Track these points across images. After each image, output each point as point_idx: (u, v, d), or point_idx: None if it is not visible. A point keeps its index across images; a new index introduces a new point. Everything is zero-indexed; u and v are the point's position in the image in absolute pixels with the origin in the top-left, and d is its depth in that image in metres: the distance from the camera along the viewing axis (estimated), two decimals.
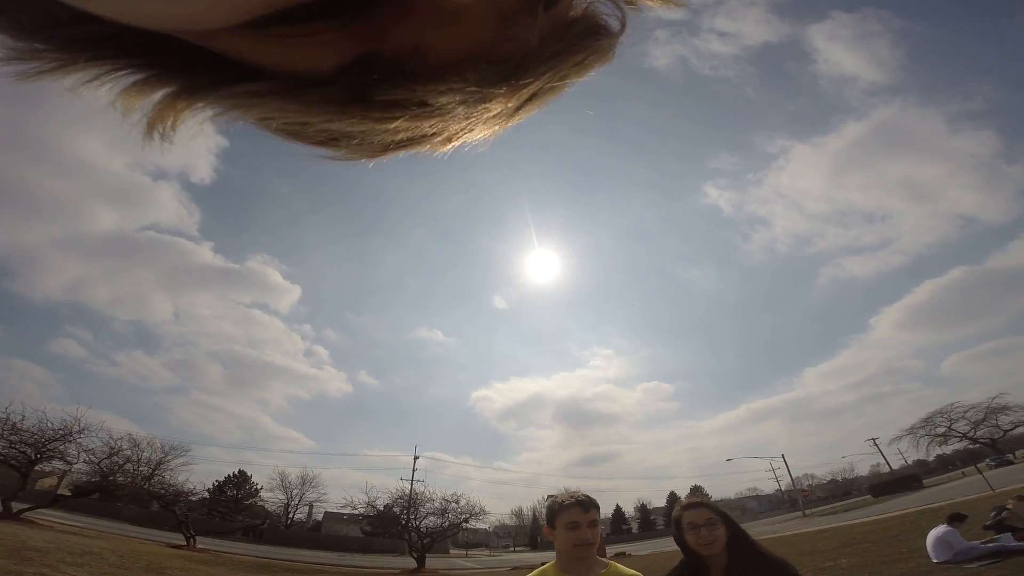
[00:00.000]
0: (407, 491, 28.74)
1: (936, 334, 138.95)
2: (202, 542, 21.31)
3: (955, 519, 8.06)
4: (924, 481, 56.02)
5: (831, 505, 63.02)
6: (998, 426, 62.59)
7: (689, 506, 2.33)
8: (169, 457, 26.00)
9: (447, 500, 26.66)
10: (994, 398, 63.94)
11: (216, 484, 59.96)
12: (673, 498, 74.75)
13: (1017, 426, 62.83)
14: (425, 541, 25.32)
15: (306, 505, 66.55)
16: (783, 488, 74.67)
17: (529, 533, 79.98)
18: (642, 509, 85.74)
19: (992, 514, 8.46)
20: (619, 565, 2.22)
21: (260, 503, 61.22)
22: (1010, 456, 52.41)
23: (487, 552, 63.09)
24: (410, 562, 25.99)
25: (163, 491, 23.01)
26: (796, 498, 61.49)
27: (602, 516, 2.28)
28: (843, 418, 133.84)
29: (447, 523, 26.48)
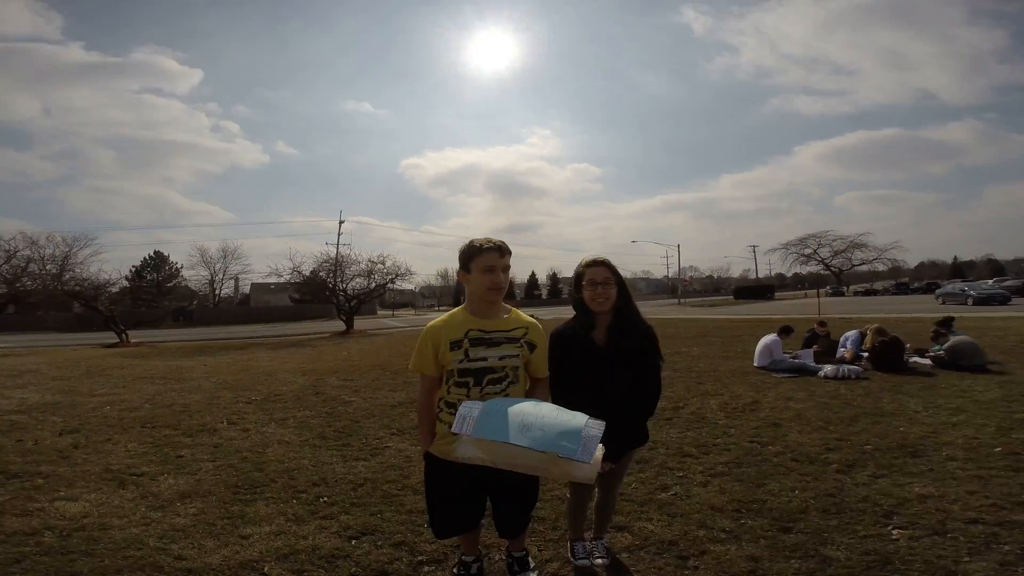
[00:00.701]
0: (333, 255, 28.99)
1: (845, 172, 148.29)
2: (134, 335, 22.16)
3: (784, 331, 9.24)
4: (776, 293, 63.22)
5: (702, 299, 69.78)
6: (850, 260, 71.55)
7: (591, 263, 2.42)
8: (75, 249, 25.05)
9: (373, 262, 27.02)
10: (860, 235, 71.55)
11: (133, 270, 59.18)
12: None
13: (863, 263, 71.84)
14: (352, 303, 26.36)
15: (231, 279, 67.28)
16: (670, 276, 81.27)
17: (454, 294, 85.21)
18: (553, 278, 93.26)
19: (806, 334, 9.90)
20: (520, 312, 2.31)
21: (184, 283, 61.55)
22: (844, 289, 60.11)
23: (413, 312, 68.32)
24: (339, 325, 27.36)
25: (79, 287, 22.40)
26: (677, 286, 67.37)
27: (518, 282, 2.47)
28: (739, 223, 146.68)
29: (373, 284, 27.18)
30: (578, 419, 1.94)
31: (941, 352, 8.21)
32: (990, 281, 40.94)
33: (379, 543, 2.93)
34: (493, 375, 2.17)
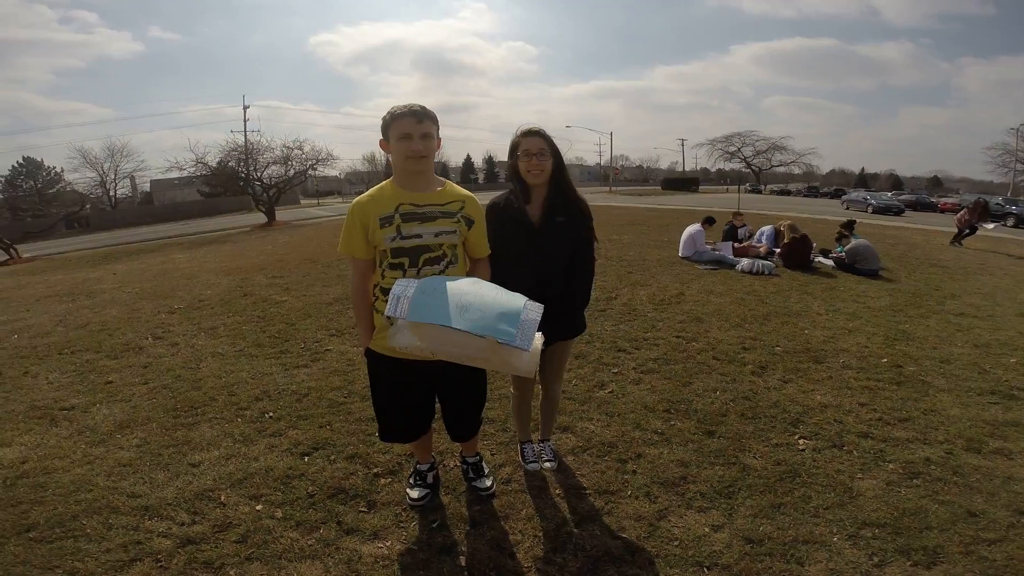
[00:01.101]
0: (241, 143, 26.98)
1: (776, 76, 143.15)
2: (25, 249, 20.21)
3: (707, 221, 9.63)
4: (700, 187, 64.39)
5: (632, 188, 70.44)
6: (770, 160, 72.30)
7: (527, 133, 2.35)
8: None
9: (288, 147, 25.60)
10: (781, 138, 72.34)
11: (2, 180, 52.64)
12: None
13: (781, 165, 72.72)
14: (271, 193, 25.03)
15: (126, 178, 61.44)
16: (602, 163, 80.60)
17: (382, 178, 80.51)
18: (489, 161, 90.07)
19: (725, 226, 10.46)
20: (455, 185, 2.20)
21: (69, 187, 55.61)
22: (760, 187, 62.93)
23: (341, 199, 65.28)
24: (259, 218, 25.98)
25: None
26: (609, 175, 67.55)
27: (453, 165, 2.27)
28: (670, 115, 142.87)
29: (292, 171, 25.93)
30: (517, 300, 1.89)
31: (843, 254, 8.88)
32: (889, 193, 43.82)
33: (332, 458, 3.01)
34: (430, 254, 2.08)
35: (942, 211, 36.43)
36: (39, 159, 56.49)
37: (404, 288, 1.86)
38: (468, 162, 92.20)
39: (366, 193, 2.14)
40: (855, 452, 3.03)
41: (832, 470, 2.85)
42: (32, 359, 5.52)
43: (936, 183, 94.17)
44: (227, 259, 12.15)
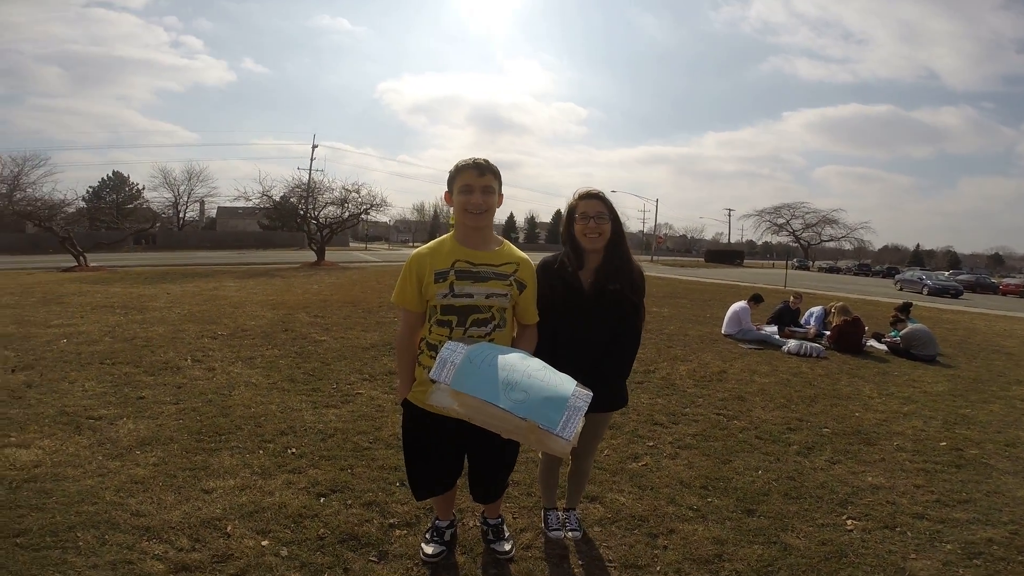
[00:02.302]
0: (305, 181, 27.58)
1: (830, 144, 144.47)
2: (93, 258, 21.21)
3: (754, 299, 9.31)
4: (744, 260, 63.84)
5: (674, 257, 69.87)
6: (819, 235, 71.67)
7: (586, 196, 2.29)
8: (26, 169, 23.64)
9: (347, 189, 25.94)
10: (833, 210, 72.01)
11: (91, 190, 56.55)
12: (559, 216, 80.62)
13: (832, 239, 71.96)
14: (324, 233, 25.42)
15: (196, 202, 64.84)
16: (645, 230, 79.94)
17: (429, 229, 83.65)
18: (531, 221, 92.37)
19: (778, 305, 9.86)
20: (512, 245, 2.19)
21: (145, 204, 59.22)
22: (808, 263, 61.39)
23: (387, 246, 67.29)
24: (309, 255, 26.30)
25: (31, 207, 21.33)
26: (651, 243, 66.81)
27: (495, 222, 2.16)
28: (717, 184, 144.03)
29: (347, 213, 26.17)
30: (565, 385, 1.81)
31: (897, 338, 8.50)
32: (946, 273, 42.73)
33: (349, 502, 2.87)
34: (479, 315, 2.05)
35: (1003, 294, 34.72)
36: (126, 175, 60.68)
37: (452, 353, 1.82)
38: (511, 220, 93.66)
39: (426, 245, 2.14)
40: (909, 533, 2.88)
41: (883, 551, 2.69)
42: (75, 365, 5.63)
43: (997, 261, 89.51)
44: (274, 293, 12.45)
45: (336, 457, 3.42)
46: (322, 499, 2.90)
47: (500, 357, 1.83)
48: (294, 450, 3.50)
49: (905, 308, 9.49)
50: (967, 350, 9.54)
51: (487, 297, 2.04)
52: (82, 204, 32.24)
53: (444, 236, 2.15)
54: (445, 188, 2.15)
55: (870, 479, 3.54)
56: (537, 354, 2.07)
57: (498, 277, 2.06)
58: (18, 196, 21.95)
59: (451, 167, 2.09)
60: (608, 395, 2.35)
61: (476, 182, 2.02)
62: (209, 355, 6.10)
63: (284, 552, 2.42)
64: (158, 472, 3.12)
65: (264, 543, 2.48)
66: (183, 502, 2.80)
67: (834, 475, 3.57)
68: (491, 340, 2.04)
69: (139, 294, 11.87)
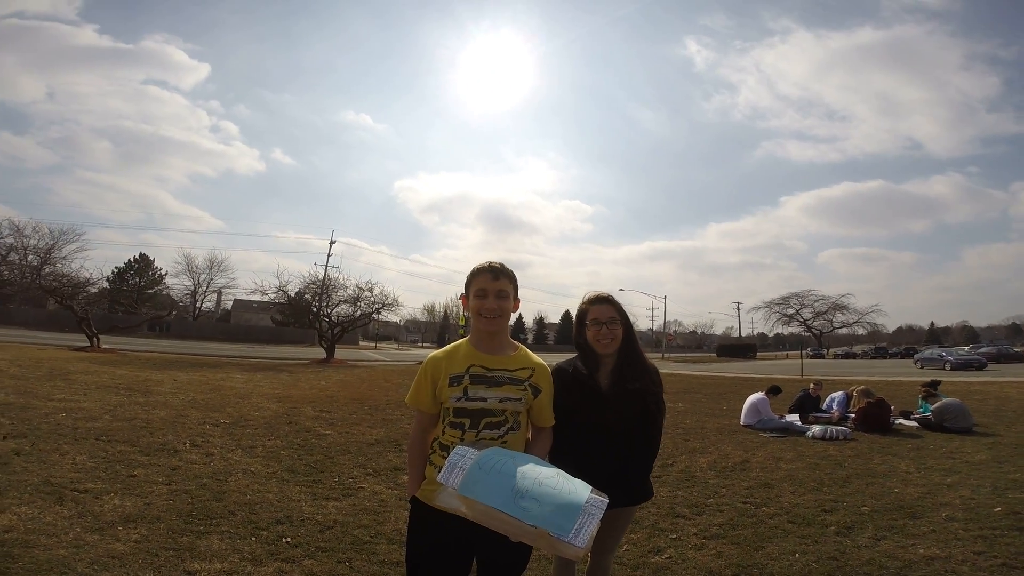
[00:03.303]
0: (320, 277, 27.92)
1: (829, 227, 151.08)
2: (106, 340, 21.47)
3: (772, 391, 9.15)
4: (757, 353, 63.53)
5: (684, 354, 69.86)
6: (830, 321, 73.12)
7: (596, 300, 2.28)
8: (60, 243, 24.20)
9: (361, 288, 26.04)
10: (842, 296, 73.82)
11: (116, 271, 57.90)
12: (568, 316, 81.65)
13: (843, 326, 73.36)
14: (336, 331, 25.37)
15: (214, 292, 66.07)
16: (654, 328, 79.92)
17: (439, 330, 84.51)
18: (539, 322, 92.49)
19: (799, 393, 9.78)
20: (529, 352, 2.16)
21: (165, 291, 60.30)
22: (823, 351, 61.46)
23: (396, 346, 67.29)
24: (319, 352, 26.33)
25: (57, 284, 21.76)
26: (661, 340, 66.91)
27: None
28: (723, 277, 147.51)
29: (359, 312, 26.28)
30: (579, 493, 1.71)
31: (929, 414, 8.33)
32: (967, 348, 42.32)
33: None
34: (491, 419, 1.98)
35: None
36: (151, 258, 62.01)
37: (461, 458, 1.76)
38: (520, 322, 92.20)
39: (442, 349, 2.13)
40: None
41: None
42: (69, 438, 5.42)
43: (1015, 331, 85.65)
44: (281, 387, 12.26)
45: (334, 549, 3.12)
46: None
47: (511, 464, 1.76)
48: (289, 539, 3.22)
49: (933, 384, 9.31)
50: (1003, 418, 9.22)
51: (501, 401, 2.01)
52: (106, 285, 32.88)
53: (460, 341, 2.14)
54: (459, 290, 2.20)
55: (922, 551, 3.31)
56: (560, 456, 2.00)
57: (513, 382, 2.03)
58: (47, 270, 22.32)
59: (467, 269, 2.10)
60: (632, 489, 2.25)
61: (490, 286, 2.02)
62: (209, 441, 5.87)
63: None
64: (139, 549, 2.87)
65: None
66: None
67: (881, 551, 3.34)
68: (504, 443, 1.99)
69: (145, 378, 11.75)
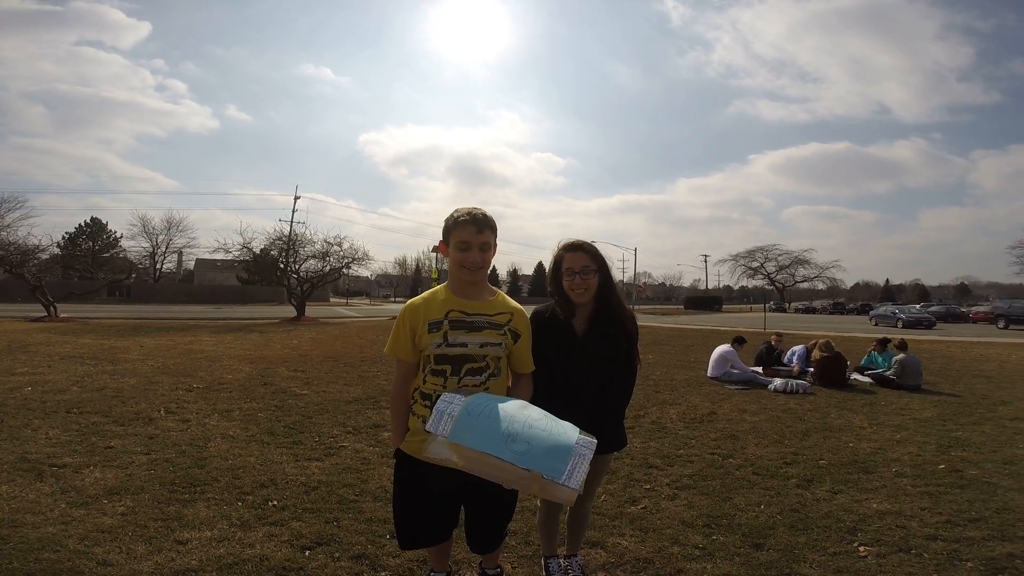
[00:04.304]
0: (286, 233, 26.74)
1: (795, 185, 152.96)
2: (64, 309, 20.75)
3: (737, 341, 9.46)
4: (723, 306, 65.36)
5: (654, 306, 71.05)
6: (792, 275, 74.89)
7: (570, 247, 2.27)
8: (1, 211, 23.00)
9: (329, 243, 25.50)
10: (804, 251, 75.54)
11: (67, 236, 55.16)
12: (541, 268, 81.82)
13: (804, 280, 75.37)
14: (305, 287, 24.96)
15: (174, 252, 63.53)
16: (625, 280, 79.28)
17: (411, 284, 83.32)
18: (513, 274, 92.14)
19: (762, 346, 10.09)
20: (506, 296, 2.17)
21: (122, 254, 57.91)
22: (785, 305, 63.74)
23: (368, 301, 66.47)
24: (289, 311, 26.05)
25: (3, 252, 20.80)
26: (632, 292, 66.17)
27: None
28: (691, 230, 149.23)
29: (328, 267, 25.71)
30: (569, 434, 1.76)
31: (882, 370, 8.89)
32: (918, 306, 44.58)
33: (336, 555, 2.68)
34: (473, 364, 2.02)
35: (974, 321, 36.36)
36: (104, 221, 59.28)
37: (449, 405, 1.76)
38: (493, 273, 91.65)
39: (419, 296, 2.13)
40: (925, 554, 2.84)
41: (902, 573, 2.65)
42: (39, 413, 5.34)
43: (964, 291, 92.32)
44: (252, 347, 12.16)
45: (321, 510, 3.21)
46: (307, 552, 2.70)
47: (499, 408, 1.78)
48: (275, 502, 3.29)
49: (883, 342, 9.89)
50: (948, 377, 9.83)
51: (481, 346, 2.02)
52: (57, 251, 31.35)
53: (437, 287, 2.14)
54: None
55: (875, 505, 3.51)
56: (535, 400, 2.03)
57: (492, 327, 2.05)
58: None
59: (448, 216, 2.08)
60: (607, 436, 2.29)
61: (475, 239, 2.01)
62: (184, 407, 5.85)
63: None
64: (127, 522, 2.90)
65: None
66: (155, 552, 2.59)
67: (838, 504, 3.54)
68: (486, 389, 2.01)
69: (111, 346, 11.50)
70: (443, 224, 2.08)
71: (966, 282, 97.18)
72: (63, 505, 3.07)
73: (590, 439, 1.77)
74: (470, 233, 2.00)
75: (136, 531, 2.80)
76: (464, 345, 2.01)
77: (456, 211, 2.06)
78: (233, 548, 2.68)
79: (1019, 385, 8.95)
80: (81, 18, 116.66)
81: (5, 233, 21.85)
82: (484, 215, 2.04)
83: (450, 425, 1.71)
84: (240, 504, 3.25)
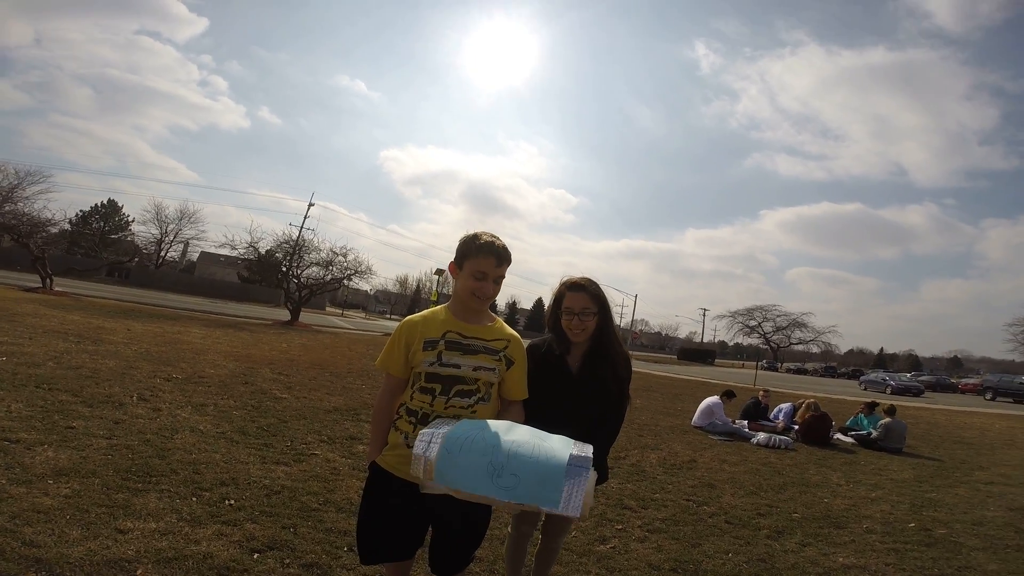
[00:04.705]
0: (294, 237, 26.81)
1: (801, 244, 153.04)
2: (61, 284, 20.68)
3: (727, 394, 9.60)
4: (716, 360, 65.75)
5: (648, 353, 71.43)
6: (788, 337, 75.69)
7: (573, 286, 2.27)
8: (25, 183, 23.05)
9: (335, 252, 25.47)
10: (803, 314, 76.39)
11: (80, 214, 55.32)
12: (540, 304, 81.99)
13: (800, 343, 76.21)
14: (303, 293, 24.85)
15: (181, 243, 63.45)
16: (622, 324, 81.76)
17: (409, 304, 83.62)
18: (511, 307, 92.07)
19: (749, 400, 10.10)
20: (504, 323, 2.19)
21: (130, 237, 58.00)
22: (777, 365, 63.94)
23: (363, 315, 66.30)
24: (284, 314, 25.66)
25: (16, 221, 20.63)
26: (627, 337, 66.02)
27: None
28: (694, 283, 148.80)
29: (330, 276, 25.74)
30: (559, 454, 1.63)
31: (866, 431, 9.03)
32: (909, 375, 45.09)
33: (287, 561, 2.51)
34: (463, 386, 1.96)
35: (962, 392, 36.65)
36: (120, 204, 59.68)
37: (426, 447, 1.65)
38: (492, 305, 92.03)
39: (419, 314, 2.11)
40: None
41: None
42: (7, 385, 5.16)
43: (956, 363, 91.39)
44: (240, 345, 11.97)
45: (279, 515, 3.03)
46: (256, 555, 2.53)
47: (479, 439, 1.67)
48: (232, 501, 3.11)
49: (871, 406, 9.95)
50: (930, 441, 10.06)
51: (475, 369, 1.99)
52: (67, 226, 31.40)
53: (437, 307, 2.13)
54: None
55: (842, 559, 3.53)
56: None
57: (488, 352, 2.02)
58: (7, 208, 21.18)
59: (467, 239, 2.04)
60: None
61: (493, 271, 2.00)
62: (158, 395, 5.67)
63: None
64: (68, 504, 2.72)
65: None
66: (89, 539, 2.41)
67: (805, 556, 3.54)
68: (474, 412, 1.96)
69: (98, 326, 11.31)
70: (459, 245, 2.05)
71: (959, 355, 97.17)
72: (3, 481, 2.89)
73: (585, 454, 1.65)
74: (489, 265, 1.98)
75: (75, 515, 2.62)
76: (457, 366, 1.97)
77: (477, 237, 2.02)
78: (176, 543, 2.51)
79: (999, 452, 9.20)
80: (147, 7, 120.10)
81: (21, 204, 21.78)
82: (505, 249, 2.03)
83: (432, 469, 1.63)
84: (195, 500, 3.07)
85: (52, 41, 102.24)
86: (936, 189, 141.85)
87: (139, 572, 2.20)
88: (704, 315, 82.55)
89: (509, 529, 2.50)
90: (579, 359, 2.27)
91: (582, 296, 2.23)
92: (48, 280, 19.06)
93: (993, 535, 4.27)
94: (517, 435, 1.70)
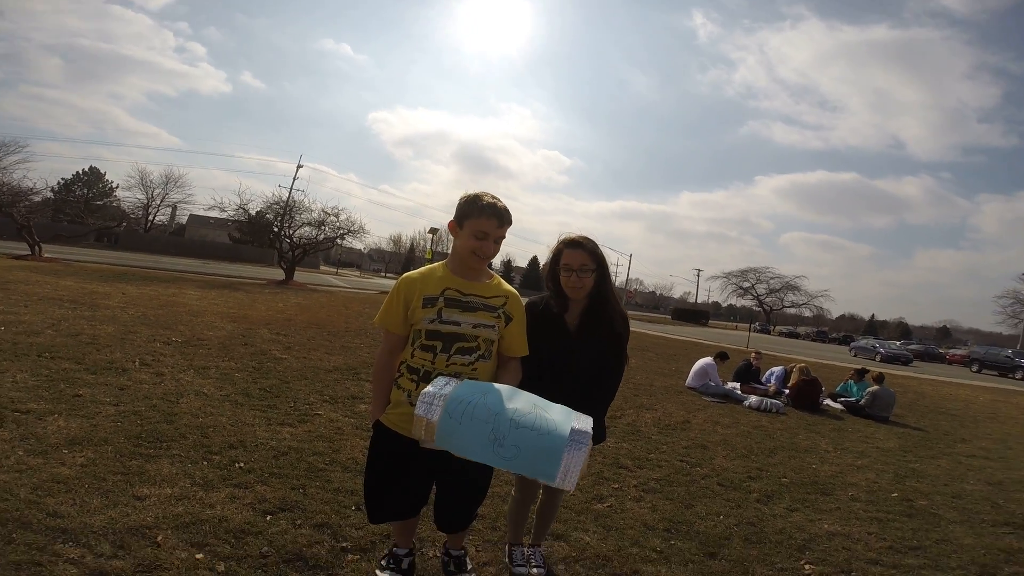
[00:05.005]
0: (284, 198, 26.57)
1: (797, 210, 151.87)
2: (50, 250, 20.34)
3: (720, 356, 9.71)
4: (709, 320, 66.26)
5: (642, 312, 71.04)
6: (781, 300, 75.38)
7: (571, 243, 2.28)
8: (0, 154, 22.68)
9: (326, 212, 25.38)
10: (796, 277, 75.94)
11: (62, 182, 54.73)
12: (535, 262, 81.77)
13: (792, 306, 76.01)
14: (296, 252, 24.86)
15: (169, 207, 62.65)
16: (618, 284, 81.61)
17: (403, 262, 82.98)
18: (507, 264, 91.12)
19: (741, 363, 10.18)
20: (502, 280, 2.20)
21: (115, 203, 57.16)
22: (770, 328, 63.93)
23: (358, 273, 66.12)
24: (278, 273, 25.98)
25: None
26: (623, 297, 68.58)
27: None
28: (688, 244, 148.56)
29: (322, 236, 25.66)
30: (561, 427, 1.66)
31: (855, 398, 9.08)
32: (898, 343, 46.03)
33: (298, 522, 2.63)
34: (463, 343, 2.00)
35: (949, 363, 37.73)
36: (102, 171, 59.08)
37: (428, 408, 1.68)
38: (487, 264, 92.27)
39: (416, 271, 2.13)
40: None
41: None
42: (9, 354, 5.20)
43: (945, 333, 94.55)
44: (236, 306, 12.00)
45: (288, 476, 3.15)
46: (268, 517, 2.64)
47: (482, 404, 1.69)
48: (242, 464, 3.22)
49: (861, 372, 10.08)
50: (916, 411, 10.22)
51: (474, 327, 2.01)
52: (50, 195, 30.90)
53: (435, 264, 2.13)
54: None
55: (826, 526, 3.63)
56: (523, 387, 1.98)
57: (487, 308, 2.05)
58: None
59: (468, 198, 2.04)
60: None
61: (494, 232, 2.01)
62: (160, 360, 5.74)
63: (221, 567, 2.18)
64: (85, 473, 2.81)
65: (198, 556, 2.22)
66: (109, 507, 2.51)
67: (792, 522, 3.64)
68: (474, 370, 1.99)
69: (92, 291, 11.29)
70: (460, 203, 2.05)
71: (948, 325, 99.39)
72: (20, 452, 2.96)
73: (585, 428, 1.69)
74: (492, 226, 2.00)
75: (93, 484, 2.71)
76: (457, 324, 1.99)
77: (480, 198, 2.03)
78: (192, 507, 2.61)
79: (981, 425, 9.36)
80: None
81: (1, 175, 21.36)
82: (507, 211, 2.04)
83: (434, 431, 1.67)
84: (205, 464, 3.17)
85: (16, 12, 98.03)
86: (933, 163, 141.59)
87: (160, 538, 2.29)
88: (698, 275, 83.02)
89: (514, 492, 2.61)
90: (577, 317, 2.29)
91: (580, 253, 2.24)
92: (37, 247, 18.87)
93: (971, 508, 4.39)
94: (519, 404, 1.73)
